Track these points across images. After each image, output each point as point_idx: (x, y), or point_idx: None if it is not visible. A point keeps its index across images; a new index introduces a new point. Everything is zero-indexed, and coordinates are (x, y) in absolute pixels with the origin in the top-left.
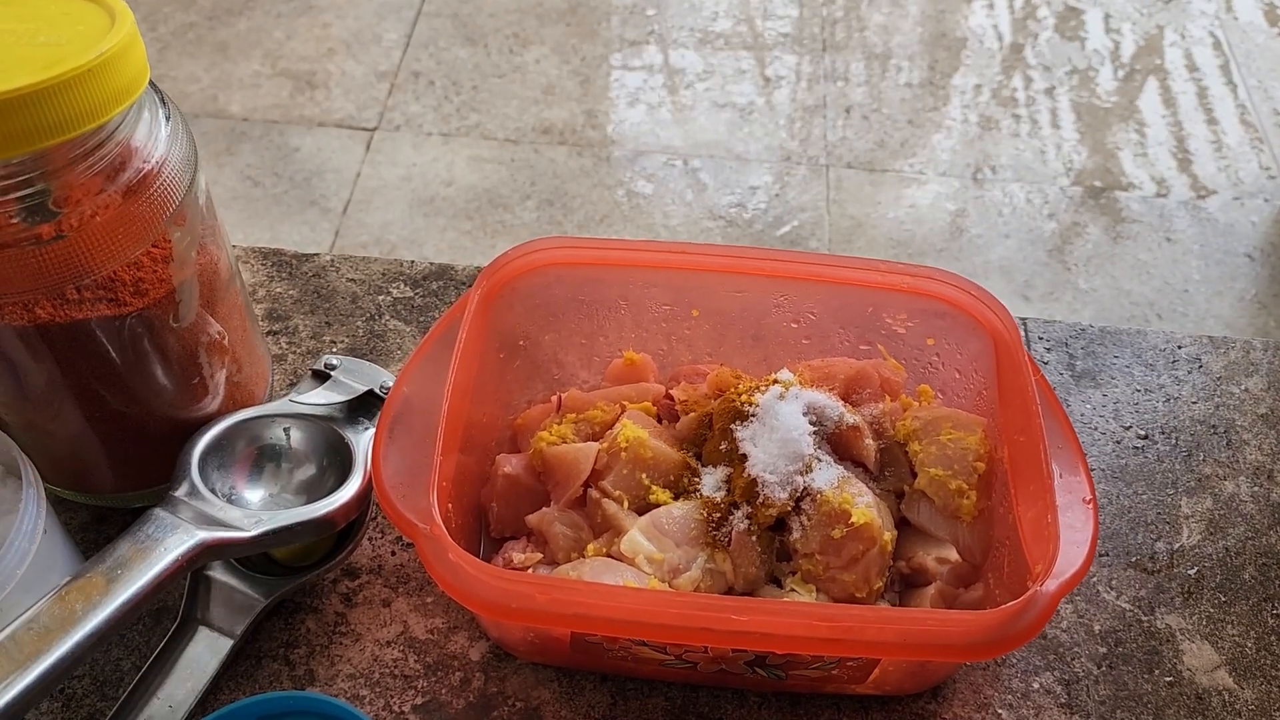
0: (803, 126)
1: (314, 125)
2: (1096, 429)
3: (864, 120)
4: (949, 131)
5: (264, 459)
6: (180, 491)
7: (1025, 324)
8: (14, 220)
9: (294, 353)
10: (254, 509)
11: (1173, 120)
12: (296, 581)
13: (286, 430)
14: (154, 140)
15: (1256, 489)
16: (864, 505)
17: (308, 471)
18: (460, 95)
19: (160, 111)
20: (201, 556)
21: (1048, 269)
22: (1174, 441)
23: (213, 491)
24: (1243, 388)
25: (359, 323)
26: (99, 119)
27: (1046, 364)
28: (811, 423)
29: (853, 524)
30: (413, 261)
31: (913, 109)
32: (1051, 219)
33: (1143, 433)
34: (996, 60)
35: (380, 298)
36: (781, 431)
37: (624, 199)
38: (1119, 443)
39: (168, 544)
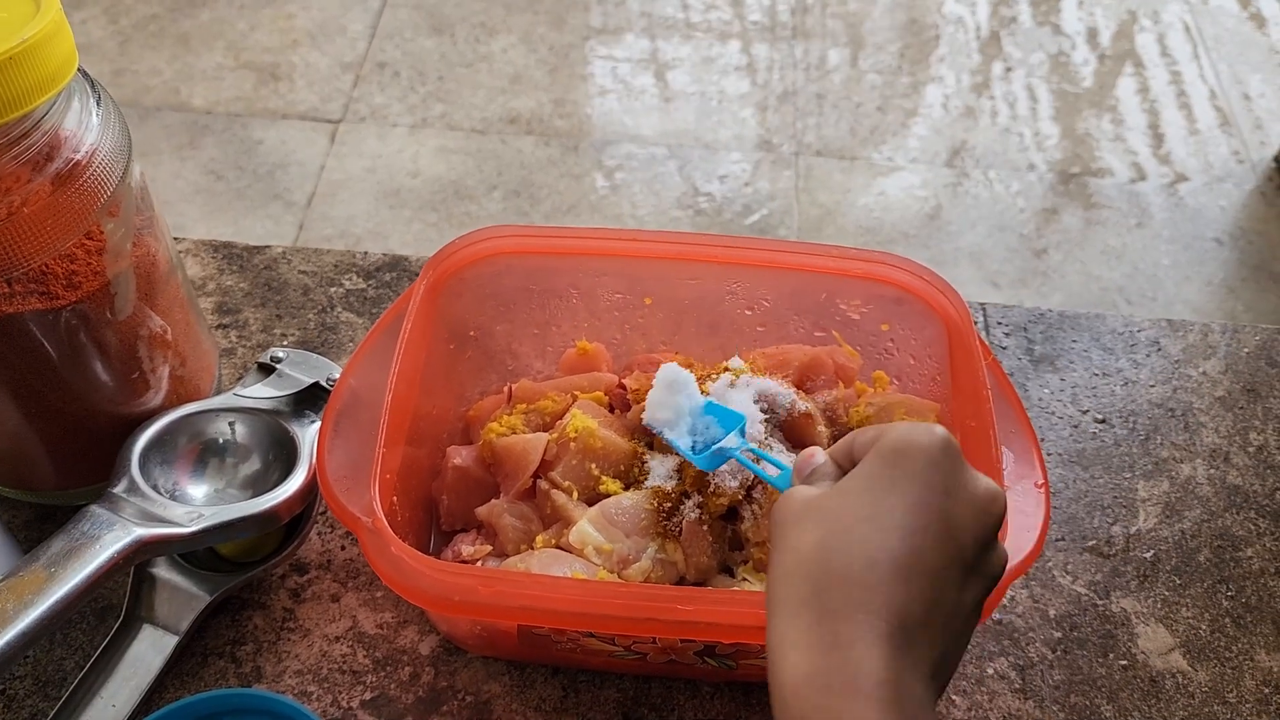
0: (773, 115)
1: (278, 118)
2: (1054, 413)
3: (834, 108)
4: (919, 119)
5: (208, 454)
6: (120, 488)
7: (985, 309)
8: None
9: (244, 346)
10: (197, 504)
11: (1143, 106)
12: (242, 578)
13: (231, 424)
14: (84, 129)
15: (1213, 471)
16: None
17: (253, 466)
18: (426, 85)
19: (91, 100)
20: (140, 553)
21: (1018, 255)
22: (1131, 425)
23: (155, 487)
24: (1200, 370)
25: (310, 315)
26: (24, 107)
27: (1005, 349)
28: (763, 410)
29: None
30: (365, 253)
31: (883, 96)
32: (1022, 205)
33: (1100, 417)
34: (967, 47)
35: (332, 289)
36: None
37: (591, 189)
38: (1076, 427)
39: (104, 541)
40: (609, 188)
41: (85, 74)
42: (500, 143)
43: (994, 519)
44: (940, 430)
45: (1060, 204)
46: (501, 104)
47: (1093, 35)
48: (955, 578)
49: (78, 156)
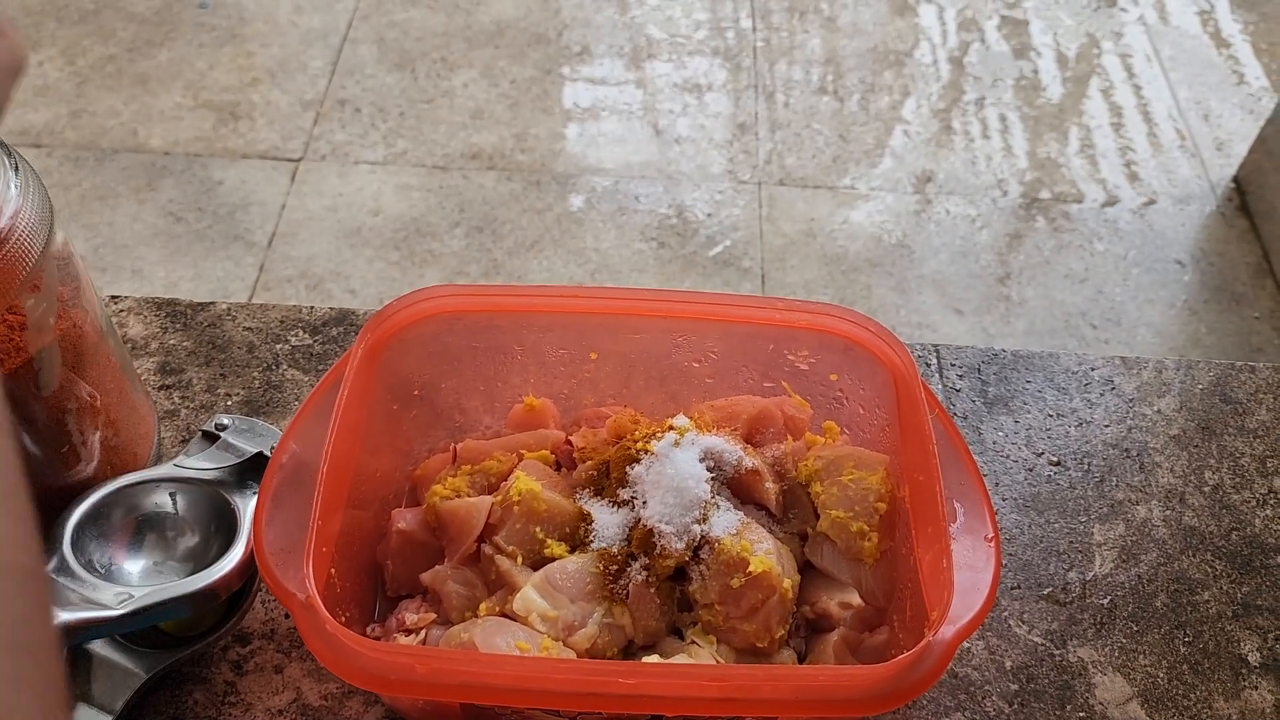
0: (735, 145)
1: (238, 157)
2: (1009, 457)
3: (796, 137)
4: (883, 146)
5: (146, 527)
6: (49, 567)
7: (938, 350)
8: None
9: (187, 407)
10: (133, 581)
11: (1102, 129)
12: (181, 654)
13: (172, 495)
14: (1, 201)
15: (1169, 513)
16: (763, 553)
17: (193, 539)
18: (387, 122)
19: (8, 169)
20: (66, 638)
21: (980, 281)
22: (1086, 467)
23: (90, 563)
24: (1155, 409)
25: (255, 374)
26: None
27: (959, 391)
28: (709, 468)
29: (751, 572)
30: (312, 307)
31: (846, 124)
32: (985, 231)
33: (1055, 459)
34: (927, 74)
35: (278, 346)
36: (677, 480)
37: (554, 223)
38: (1031, 470)
39: None
40: (573, 222)
41: (1, 143)
42: (462, 179)
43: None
44: None
45: (1023, 229)
46: (463, 139)
47: (1051, 60)
48: None
49: None
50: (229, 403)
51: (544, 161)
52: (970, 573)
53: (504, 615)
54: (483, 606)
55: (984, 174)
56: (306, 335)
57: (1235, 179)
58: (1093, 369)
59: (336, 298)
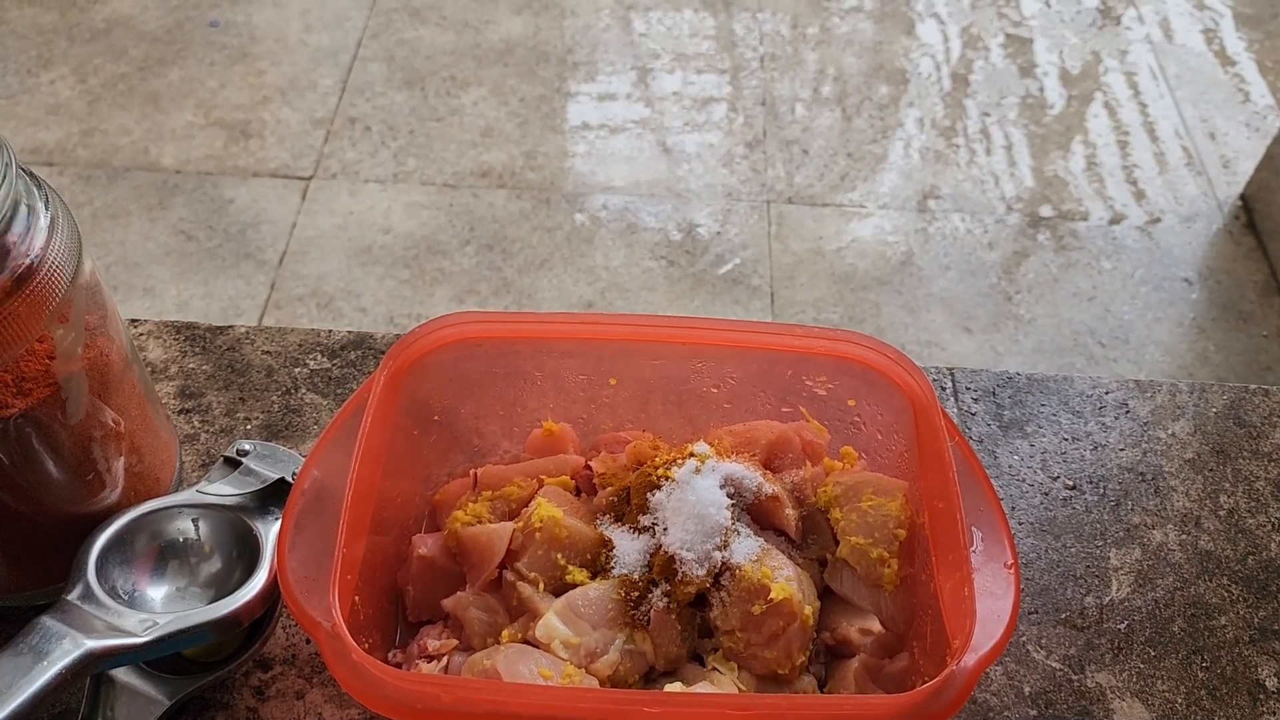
0: (743, 163)
1: (249, 176)
2: (1025, 480)
3: (804, 154)
4: (889, 163)
5: (169, 553)
6: (74, 594)
7: (953, 374)
8: None
9: (207, 432)
10: (156, 607)
11: (1108, 147)
12: (203, 680)
13: (195, 522)
14: (32, 233)
15: (1184, 537)
16: (784, 579)
17: (215, 565)
18: (397, 140)
19: (39, 202)
20: (90, 666)
21: (989, 300)
22: (1102, 491)
23: (114, 589)
24: (1169, 432)
25: (274, 397)
26: None
27: (974, 414)
28: (729, 495)
29: (772, 599)
30: (330, 331)
31: (853, 142)
32: (993, 249)
33: (1070, 483)
34: (935, 91)
35: (297, 370)
36: (698, 507)
37: (564, 242)
38: (1047, 494)
39: (52, 656)
40: (582, 240)
41: (30, 174)
42: (472, 197)
43: None
44: None
45: (1030, 246)
46: (473, 158)
47: (1057, 77)
48: None
49: (24, 264)
50: (248, 427)
51: (553, 180)
52: (991, 600)
53: (526, 642)
54: (505, 633)
55: (990, 191)
56: (324, 359)
57: (1242, 197)
58: (1107, 392)
59: (348, 316)
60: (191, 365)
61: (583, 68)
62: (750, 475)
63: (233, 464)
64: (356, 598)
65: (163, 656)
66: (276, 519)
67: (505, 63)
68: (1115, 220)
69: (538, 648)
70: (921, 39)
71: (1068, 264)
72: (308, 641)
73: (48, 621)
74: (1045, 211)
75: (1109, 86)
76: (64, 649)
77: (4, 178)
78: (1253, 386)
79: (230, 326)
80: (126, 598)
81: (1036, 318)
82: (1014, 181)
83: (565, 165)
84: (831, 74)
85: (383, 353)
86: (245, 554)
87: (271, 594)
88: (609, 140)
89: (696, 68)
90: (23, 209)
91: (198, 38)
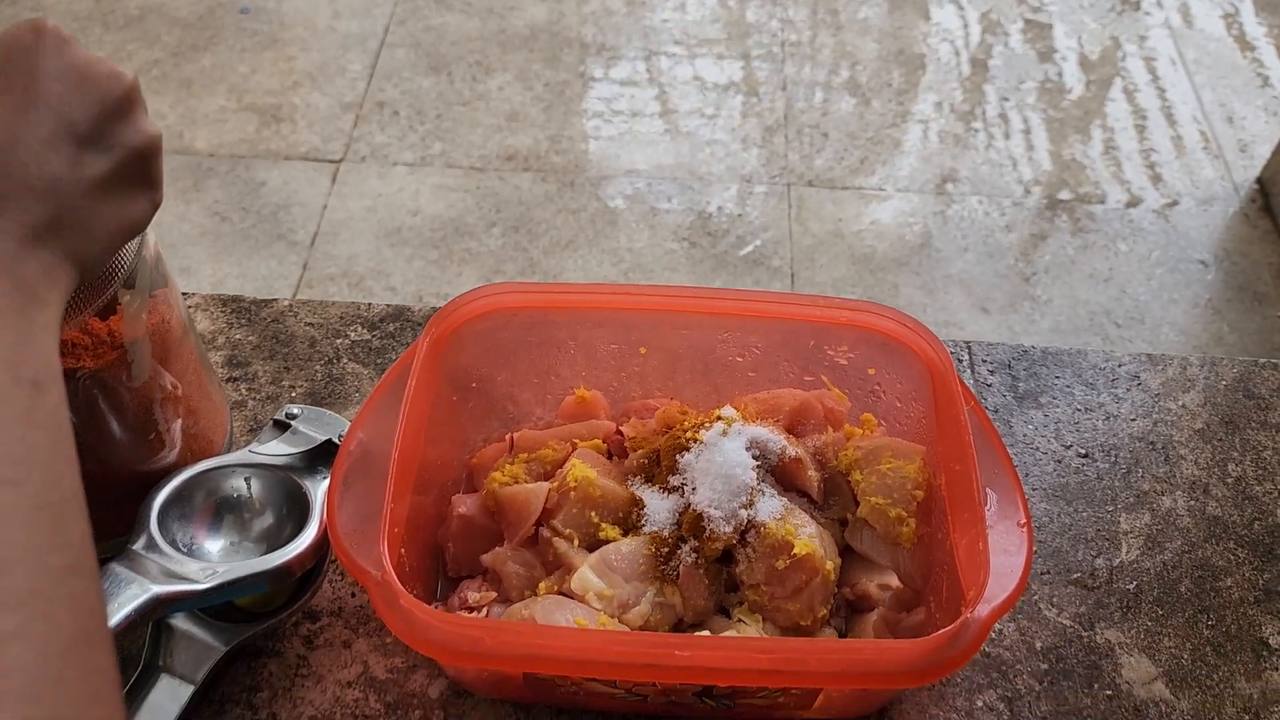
0: (765, 146)
1: (280, 159)
2: (1039, 449)
3: (824, 138)
4: (908, 147)
5: (224, 509)
6: (138, 545)
7: (970, 347)
8: None
9: (254, 399)
10: (213, 559)
11: (1129, 130)
12: (257, 628)
13: (247, 480)
14: None
15: (1193, 503)
16: (806, 536)
17: (267, 521)
18: (425, 124)
19: None
20: (156, 609)
21: (1006, 281)
22: (1113, 459)
23: (174, 542)
24: (1180, 403)
25: (317, 367)
26: None
27: (990, 386)
28: (755, 457)
29: (795, 555)
30: (370, 304)
31: (872, 125)
32: (1010, 231)
33: (1083, 451)
34: (953, 75)
35: (338, 341)
36: (725, 467)
37: (589, 223)
38: (1060, 462)
39: (121, 599)
40: (606, 222)
41: None
42: (498, 180)
43: (112, 96)
44: (31, 23)
45: (1047, 229)
46: (499, 141)
47: (1075, 61)
48: (64, 151)
49: None
50: (293, 394)
51: (577, 163)
52: (1004, 556)
53: (562, 594)
54: (542, 585)
55: (1008, 175)
56: (365, 330)
57: (1259, 180)
58: (1119, 365)
59: (378, 295)
60: (238, 336)
61: (605, 53)
62: (774, 438)
63: (282, 427)
64: (402, 550)
65: (217, 607)
66: (324, 478)
67: (529, 48)
68: (1132, 203)
69: (573, 599)
70: (940, 24)
71: (1085, 246)
72: (353, 595)
73: (116, 568)
74: (1063, 194)
75: (1128, 71)
76: (132, 593)
77: None
78: (1262, 360)
79: (274, 300)
80: (186, 549)
81: (1053, 298)
82: (1032, 165)
83: (589, 149)
84: (850, 59)
85: (420, 325)
86: (295, 510)
87: (321, 547)
88: (631, 124)
89: (716, 53)
90: None
91: (229, 24)
